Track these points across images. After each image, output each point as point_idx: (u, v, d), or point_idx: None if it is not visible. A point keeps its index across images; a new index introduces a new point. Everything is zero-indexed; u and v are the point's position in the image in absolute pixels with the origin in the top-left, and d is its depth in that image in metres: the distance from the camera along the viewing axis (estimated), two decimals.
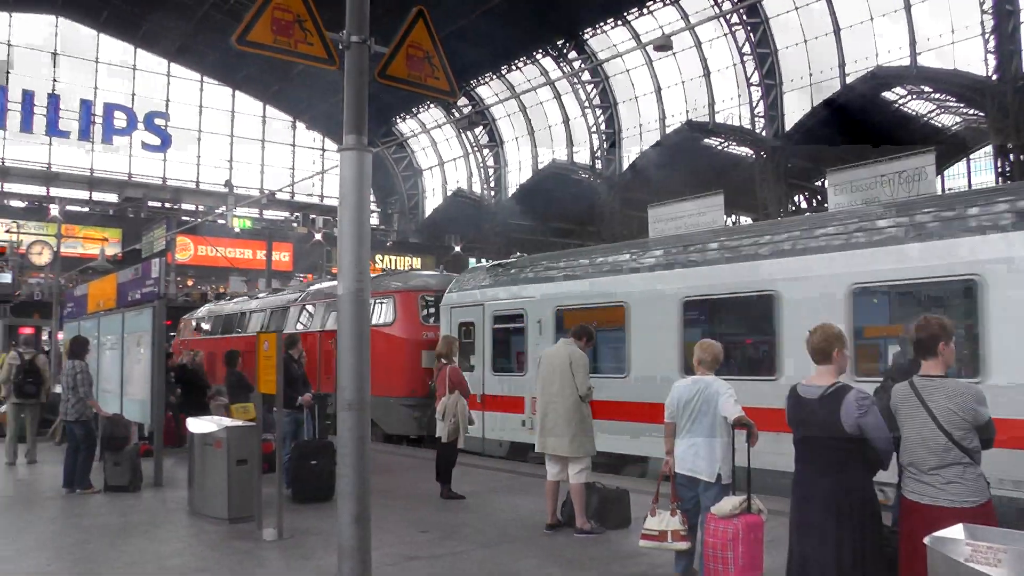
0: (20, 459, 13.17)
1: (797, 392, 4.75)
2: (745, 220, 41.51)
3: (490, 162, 56.57)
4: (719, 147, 43.58)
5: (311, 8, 4.99)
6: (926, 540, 3.38)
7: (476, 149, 57.26)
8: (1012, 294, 7.80)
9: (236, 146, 60.19)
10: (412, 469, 12.02)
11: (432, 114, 55.92)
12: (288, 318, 19.70)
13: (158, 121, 55.92)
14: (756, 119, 39.93)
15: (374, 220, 63.38)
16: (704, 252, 11.11)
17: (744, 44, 39.54)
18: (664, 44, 15.58)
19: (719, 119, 42.25)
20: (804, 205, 43.36)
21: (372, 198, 55.98)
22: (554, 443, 7.93)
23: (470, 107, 51.18)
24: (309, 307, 19.29)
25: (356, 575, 4.26)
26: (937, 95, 36.47)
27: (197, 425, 9.16)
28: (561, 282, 13.05)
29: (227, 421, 9.19)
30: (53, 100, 52.41)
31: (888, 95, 36.68)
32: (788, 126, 38.68)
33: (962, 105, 36.38)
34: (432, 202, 63.28)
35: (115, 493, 10.36)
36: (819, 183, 39.49)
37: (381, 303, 16.21)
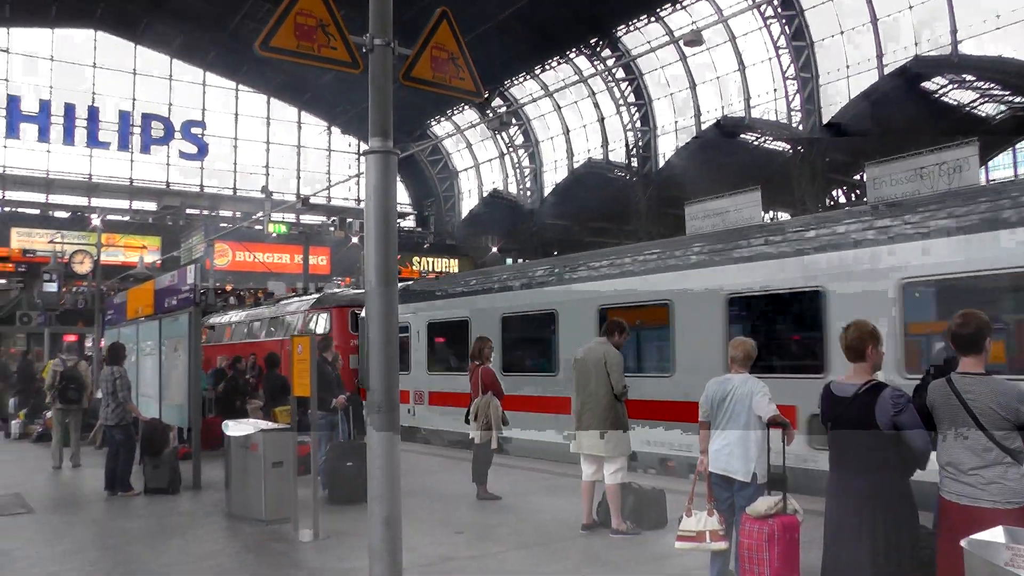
0: (65, 463, 13.42)
1: (831, 390, 4.64)
2: (783, 216, 41.03)
3: (525, 162, 56.54)
4: (755, 142, 43.08)
5: (334, 12, 4.99)
6: (963, 543, 3.27)
7: (511, 150, 57.26)
8: (685, 313, 11.19)
9: (272, 152, 60.86)
10: (449, 470, 11.99)
11: (467, 116, 56.04)
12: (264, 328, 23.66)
13: (195, 130, 56.84)
14: (793, 113, 39.43)
15: (410, 223, 63.71)
16: (520, 279, 14.60)
17: (779, 37, 39.10)
18: (694, 39, 15.45)
19: (755, 114, 41.83)
20: (843, 199, 42.73)
21: (407, 201, 56.34)
22: (589, 443, 7.87)
23: (504, 107, 51.20)
24: (285, 319, 22.73)
25: None
26: (980, 83, 35.66)
27: (233, 428, 9.23)
28: (431, 301, 16.47)
29: (263, 424, 9.25)
30: (93, 112, 53.51)
31: (928, 85, 35.97)
32: (825, 119, 38.13)
33: (1007, 93, 35.54)
34: (468, 203, 63.43)
35: (154, 495, 10.50)
36: (858, 177, 38.94)
37: (321, 316, 20.63)
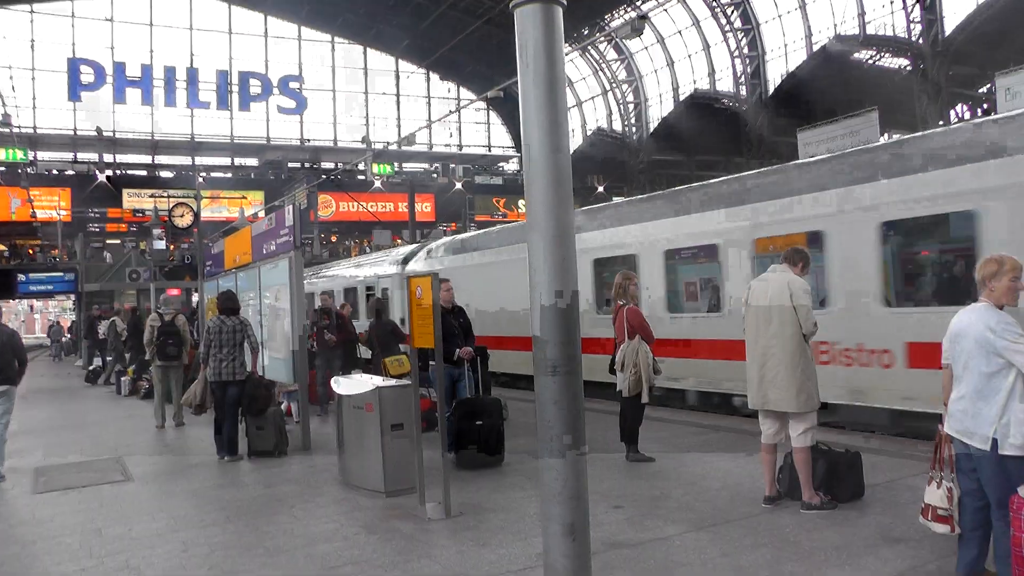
0: (168, 421, 12.67)
1: None
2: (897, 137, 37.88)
3: (629, 98, 54.28)
4: (870, 61, 39.91)
5: None
6: None
7: (614, 86, 54.98)
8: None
9: (371, 102, 60.10)
10: (590, 424, 10.50)
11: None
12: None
13: (292, 85, 56.68)
14: (912, 25, 36.06)
15: (514, 166, 62.13)
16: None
17: None
18: None
19: (870, 30, 38.68)
20: (968, 116, 39.19)
21: (510, 144, 55.24)
22: (777, 396, 6.29)
23: (605, 43, 49.10)
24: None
25: None
26: None
27: (345, 385, 8.01)
28: None
29: (378, 380, 7.97)
30: (192, 74, 53.89)
31: None
32: (948, 30, 34.70)
33: None
34: (573, 143, 61.50)
35: (260, 459, 9.47)
36: (984, 89, 35.51)
37: None
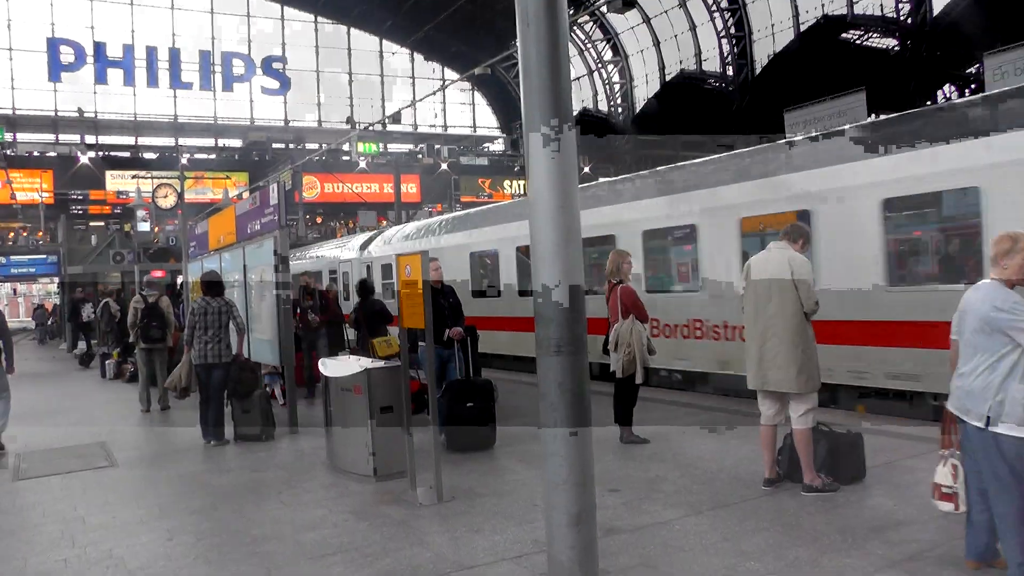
0: (153, 405, 12.44)
1: None
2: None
3: (615, 78, 53.99)
4: (858, 41, 39.88)
5: None
6: None
7: (600, 66, 54.67)
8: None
9: (355, 83, 59.54)
10: None
11: None
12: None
13: (276, 65, 56.10)
14: (900, 5, 35.99)
15: (499, 146, 61.69)
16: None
17: None
18: None
19: (857, 9, 38.70)
20: (955, 96, 39.24)
21: (496, 124, 54.76)
22: (777, 377, 6.15)
23: (591, 23, 48.80)
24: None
25: None
26: None
27: (332, 367, 7.80)
28: None
29: (366, 361, 7.77)
30: (174, 54, 53.21)
31: None
32: (936, 9, 34.74)
33: None
34: None
35: (246, 443, 9.27)
36: (972, 70, 35.55)
37: None
